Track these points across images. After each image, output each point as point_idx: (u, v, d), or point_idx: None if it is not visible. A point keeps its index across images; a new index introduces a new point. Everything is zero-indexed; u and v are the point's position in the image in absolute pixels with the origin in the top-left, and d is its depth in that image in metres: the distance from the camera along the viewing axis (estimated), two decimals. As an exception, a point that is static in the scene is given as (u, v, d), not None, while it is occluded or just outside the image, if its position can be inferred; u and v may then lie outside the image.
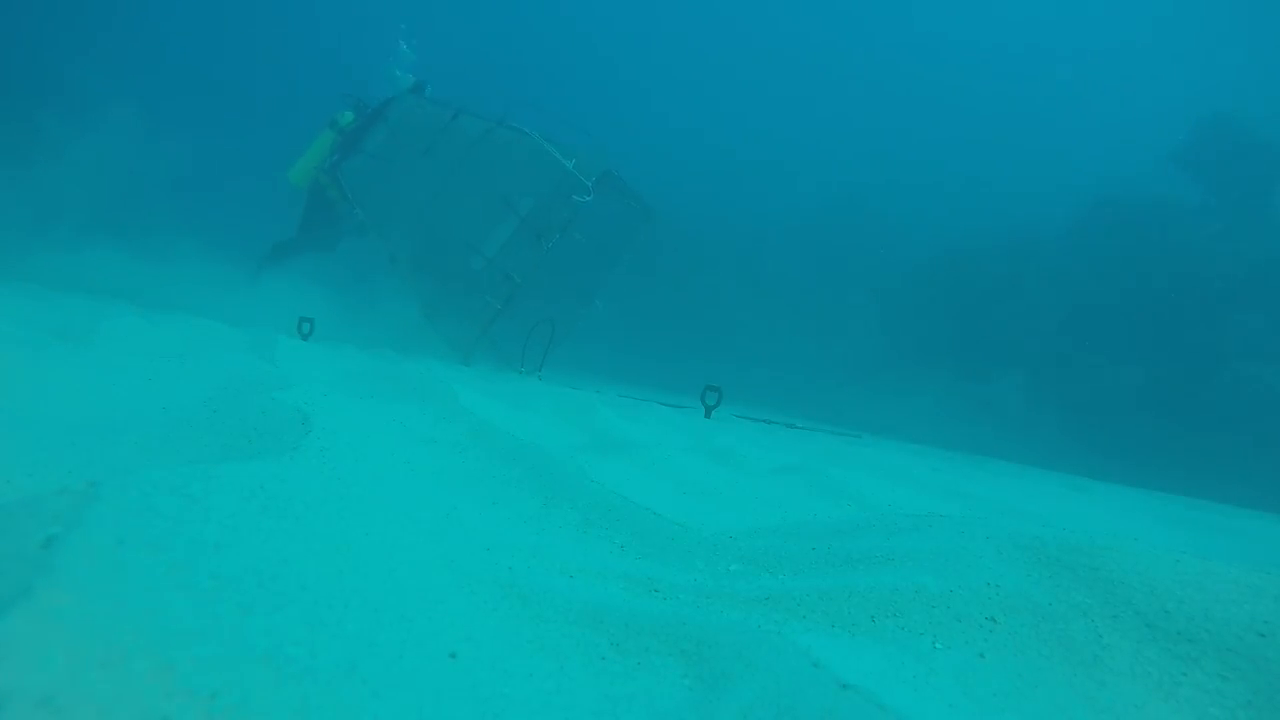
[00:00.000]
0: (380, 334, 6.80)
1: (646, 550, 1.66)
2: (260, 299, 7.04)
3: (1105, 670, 1.21)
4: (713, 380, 5.33)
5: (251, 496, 1.27)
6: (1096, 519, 3.24)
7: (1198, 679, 1.18)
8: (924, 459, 5.04)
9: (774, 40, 31.57)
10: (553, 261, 6.65)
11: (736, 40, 31.62)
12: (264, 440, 1.82)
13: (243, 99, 27.62)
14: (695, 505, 2.14)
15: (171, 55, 27.89)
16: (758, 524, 1.99)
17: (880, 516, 1.98)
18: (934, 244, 15.54)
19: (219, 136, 23.64)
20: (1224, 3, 23.54)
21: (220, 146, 22.49)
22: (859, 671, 1.08)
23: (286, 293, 7.37)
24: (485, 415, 2.69)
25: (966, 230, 15.36)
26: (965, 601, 1.38)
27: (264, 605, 0.96)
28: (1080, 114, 24.59)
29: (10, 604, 0.79)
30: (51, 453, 1.60)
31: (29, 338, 2.51)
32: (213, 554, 1.04)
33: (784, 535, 1.83)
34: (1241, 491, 6.85)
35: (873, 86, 28.45)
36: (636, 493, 2.03)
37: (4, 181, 9.14)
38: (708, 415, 5.04)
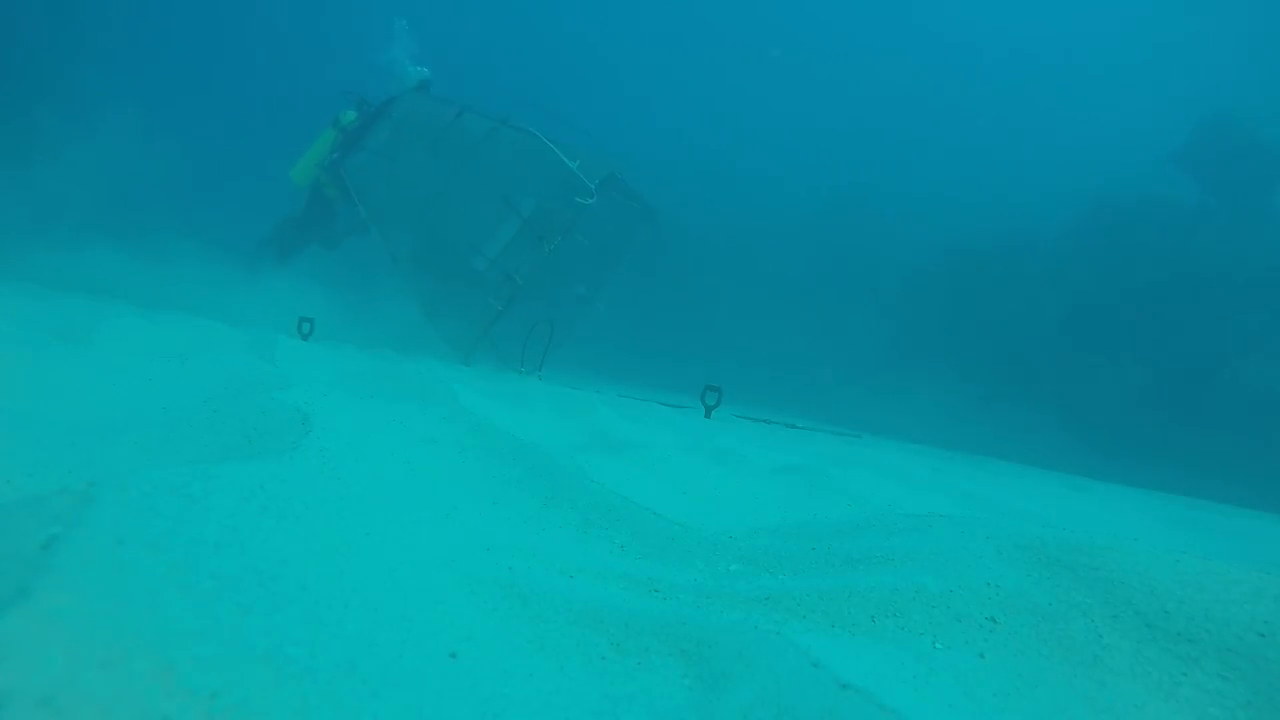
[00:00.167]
0: (380, 334, 6.80)
1: (646, 550, 1.66)
2: (260, 299, 7.03)
3: (1105, 670, 1.21)
4: (713, 380, 5.33)
5: (251, 496, 1.27)
6: (1097, 519, 3.24)
7: (1198, 679, 1.18)
8: (924, 459, 5.04)
9: (775, 40, 31.58)
10: (555, 262, 6.63)
11: (737, 40, 31.64)
12: (264, 440, 1.82)
13: (242, 98, 27.63)
14: (695, 505, 2.14)
15: (170, 54, 27.90)
16: (758, 524, 1.99)
17: (880, 516, 1.98)
18: (934, 244, 15.54)
19: (218, 136, 23.65)
20: (1224, 3, 23.55)
21: (219, 146, 22.50)
22: (859, 671, 1.08)
23: (286, 293, 7.37)
24: (485, 415, 2.69)
25: (967, 230, 15.37)
26: (965, 601, 1.38)
27: (264, 605, 0.96)
28: (1080, 114, 24.60)
29: (10, 604, 0.79)
30: (51, 453, 1.60)
31: (29, 338, 2.51)
32: (213, 554, 1.04)
33: (784, 535, 1.84)
34: (1241, 491, 6.85)
35: (873, 87, 28.46)
36: (636, 493, 2.03)
37: (3, 181, 9.14)
38: (708, 415, 5.04)
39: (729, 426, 4.80)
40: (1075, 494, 4.31)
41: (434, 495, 1.77)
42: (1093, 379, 12.43)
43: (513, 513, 1.80)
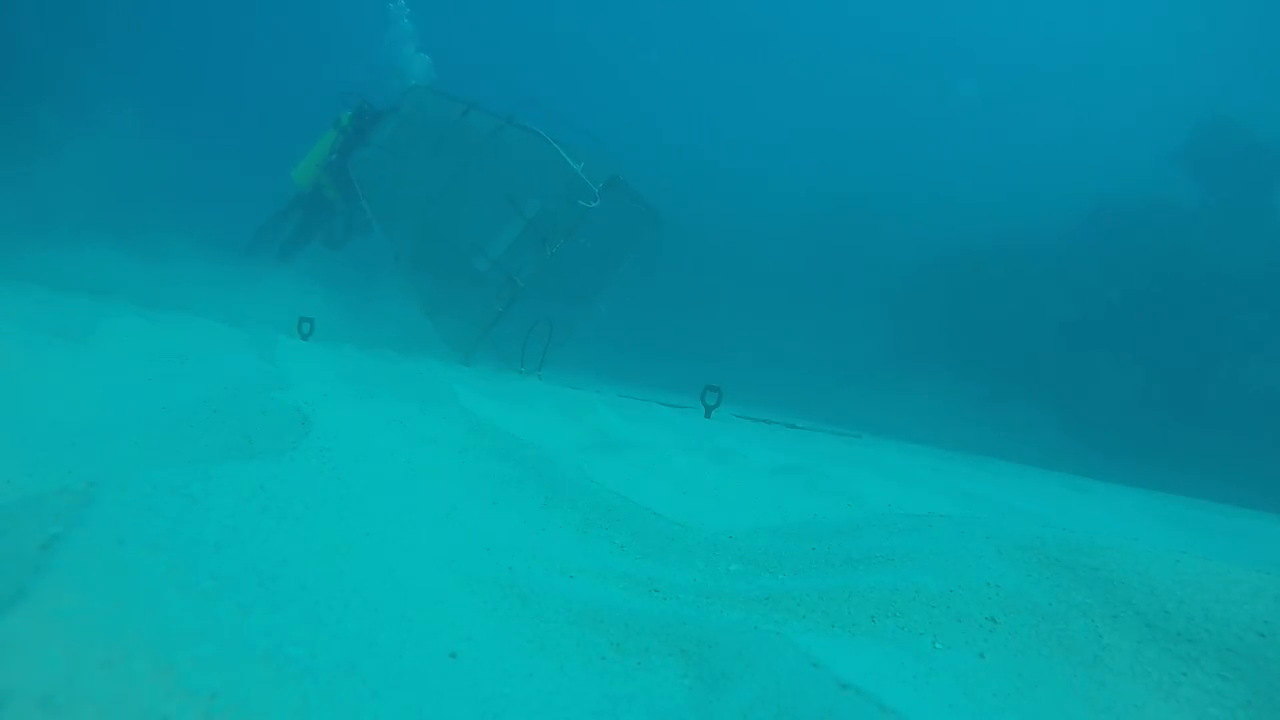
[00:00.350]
0: (380, 334, 6.79)
1: (646, 550, 1.66)
2: (260, 299, 7.03)
3: (1105, 670, 1.21)
4: (713, 380, 5.33)
5: (251, 496, 1.27)
6: (1096, 519, 3.24)
7: (1198, 679, 1.18)
8: (924, 459, 5.04)
9: (776, 41, 31.58)
10: (557, 264, 6.61)
11: (738, 40, 31.64)
12: (264, 440, 1.82)
13: (241, 97, 27.63)
14: (695, 505, 2.14)
15: (170, 53, 27.90)
16: (758, 524, 1.99)
17: (880, 516, 1.98)
18: (935, 244, 15.55)
19: (217, 134, 23.66)
20: (1224, 3, 23.56)
21: (219, 145, 22.50)
22: (859, 671, 1.08)
23: (286, 292, 7.36)
24: (485, 415, 2.69)
25: (967, 230, 15.37)
26: (965, 601, 1.38)
27: (264, 605, 0.96)
28: (1080, 115, 24.60)
29: (10, 604, 0.79)
30: (51, 453, 1.60)
31: (29, 338, 2.51)
32: (213, 554, 1.04)
33: (784, 535, 1.84)
34: (1241, 491, 6.85)
35: (874, 87, 28.47)
36: (636, 493, 2.03)
37: (2, 180, 9.14)
38: (708, 415, 5.04)
39: (729, 426, 4.80)
40: (1075, 494, 4.31)
41: (434, 495, 1.77)
42: (1093, 379, 12.43)
43: (513, 513, 1.80)
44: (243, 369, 2.81)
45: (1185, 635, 1.26)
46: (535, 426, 3.01)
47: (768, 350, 14.69)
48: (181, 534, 1.05)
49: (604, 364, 10.20)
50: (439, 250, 6.88)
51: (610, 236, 8.01)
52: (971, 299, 14.30)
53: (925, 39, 29.59)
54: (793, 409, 9.42)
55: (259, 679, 0.83)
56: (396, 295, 7.48)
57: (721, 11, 31.97)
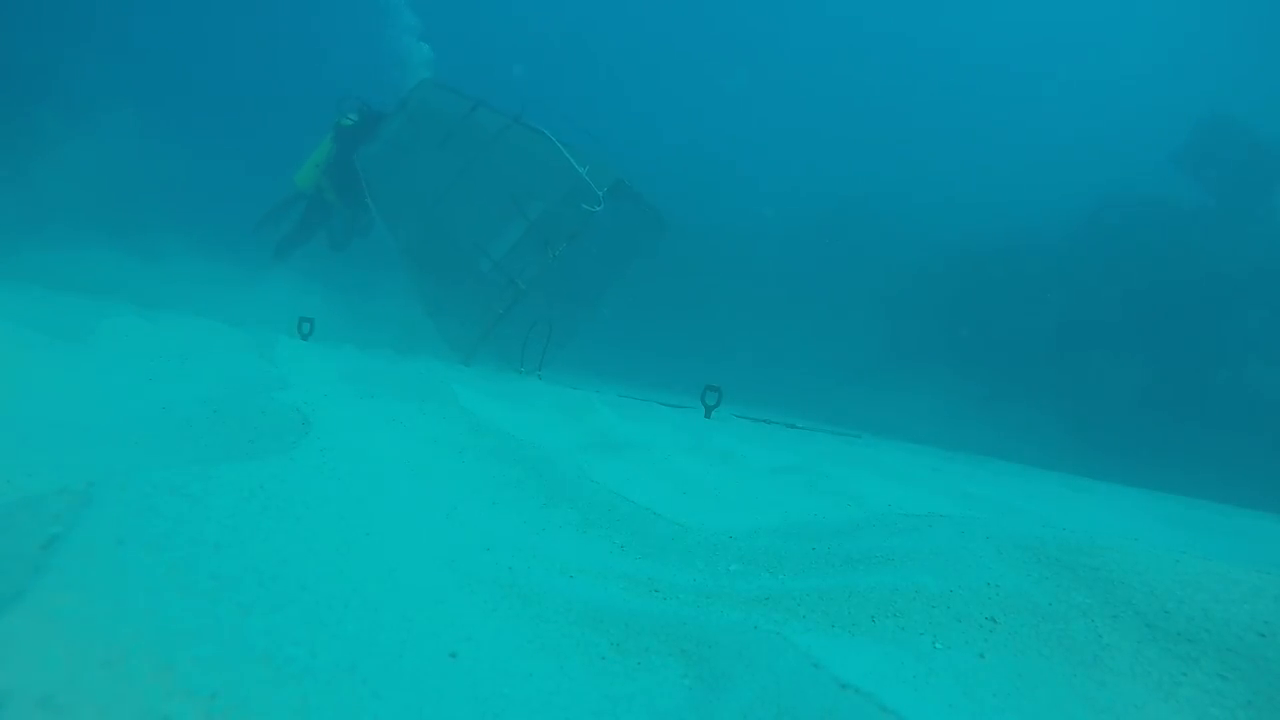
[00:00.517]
0: (380, 334, 6.79)
1: (647, 550, 1.66)
2: (260, 298, 7.03)
3: (1105, 670, 1.21)
4: (713, 380, 5.32)
5: (251, 496, 1.27)
6: (1097, 519, 3.24)
7: (1198, 679, 1.18)
8: (924, 459, 5.04)
9: (776, 40, 31.58)
10: (560, 266, 6.59)
11: (738, 39, 31.64)
12: (264, 440, 1.82)
13: (240, 96, 27.63)
14: (695, 505, 2.14)
15: (169, 52, 27.89)
16: (758, 524, 1.98)
17: (880, 517, 1.98)
18: (935, 244, 15.55)
19: (216, 134, 23.67)
20: (1224, 3, 23.56)
21: (218, 144, 22.50)
22: (859, 671, 1.08)
23: (286, 292, 7.37)
24: (485, 415, 2.68)
25: (967, 230, 15.37)
26: (965, 601, 1.38)
27: (264, 605, 0.96)
28: (1081, 115, 24.61)
29: (10, 604, 0.79)
30: (51, 453, 1.60)
31: (29, 338, 2.51)
32: (213, 554, 1.04)
33: (784, 535, 1.83)
34: (1241, 491, 6.85)
35: (874, 87, 28.46)
36: (636, 493, 2.03)
37: (1, 180, 9.15)
38: (708, 415, 5.04)
39: (729, 426, 4.80)
40: (1075, 494, 4.31)
41: (434, 495, 1.77)
42: (1093, 379, 12.43)
43: (513, 513, 1.80)
44: (243, 369, 2.82)
45: (1185, 635, 1.26)
46: (535, 426, 3.01)
47: (768, 350, 14.69)
48: (181, 534, 1.05)
49: (604, 364, 10.20)
50: (442, 248, 6.86)
51: (614, 239, 7.99)
52: (972, 299, 14.30)
53: (925, 38, 29.59)
54: (793, 409, 9.42)
55: (259, 679, 0.83)
56: (396, 295, 7.48)
57: (721, 10, 31.97)
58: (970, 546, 1.58)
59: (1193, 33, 24.52)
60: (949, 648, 1.26)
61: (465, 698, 0.97)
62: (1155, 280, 12.51)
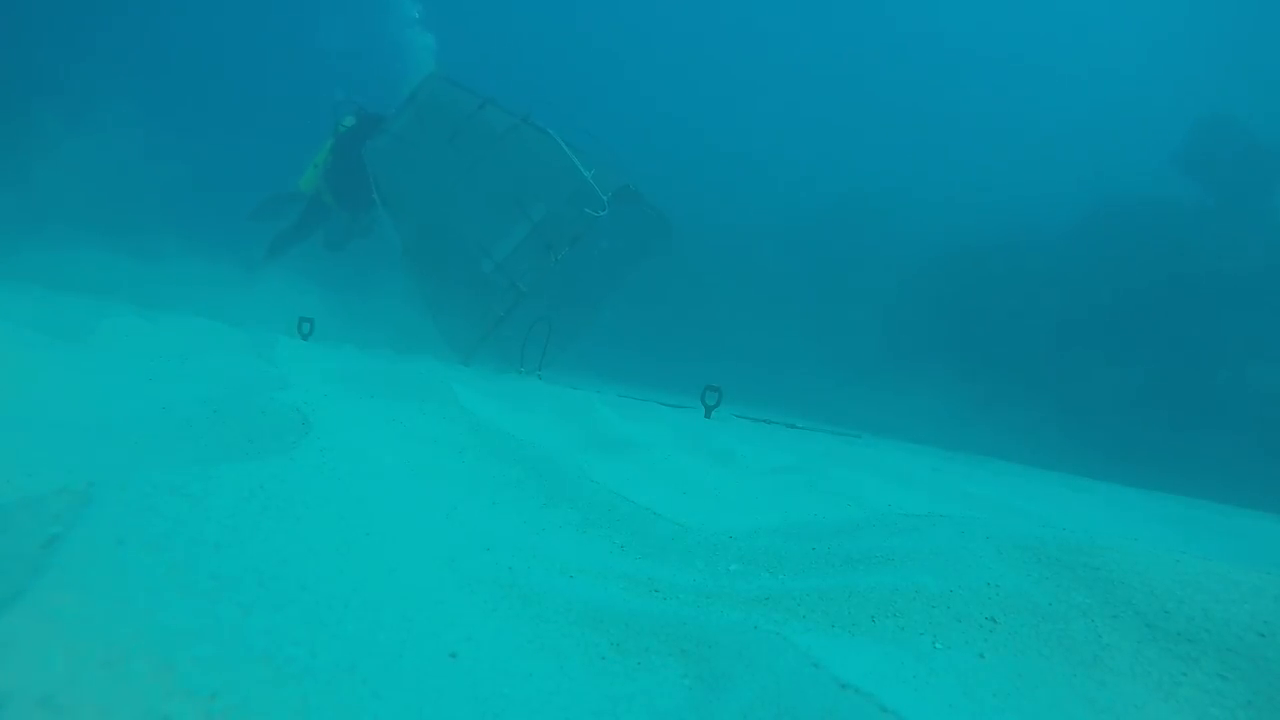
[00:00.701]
0: (380, 334, 6.80)
1: (647, 550, 1.66)
2: (260, 299, 7.03)
3: (1105, 670, 1.21)
4: (713, 380, 5.32)
5: (251, 496, 1.27)
6: (1096, 519, 3.24)
7: (1198, 679, 1.18)
8: (924, 459, 5.04)
9: (775, 37, 31.57)
10: (564, 268, 6.56)
11: (737, 37, 31.63)
12: (264, 440, 1.82)
13: (239, 96, 27.62)
14: (695, 505, 2.14)
15: (167, 50, 27.87)
16: (758, 524, 1.98)
17: (880, 516, 1.98)
18: (935, 244, 15.55)
19: (215, 133, 23.67)
20: (1224, 3, 23.55)
21: (217, 144, 22.50)
22: (859, 671, 1.08)
23: (286, 293, 7.37)
24: (485, 415, 2.68)
25: (967, 230, 15.37)
26: (965, 601, 1.38)
27: (264, 605, 0.96)
28: (1080, 114, 24.60)
29: (10, 604, 0.79)
30: (51, 453, 1.60)
31: (29, 338, 2.51)
32: (213, 554, 1.04)
33: (784, 535, 1.83)
34: (1241, 491, 6.85)
35: (873, 85, 28.46)
36: (636, 493, 2.03)
37: (1, 180, 9.15)
38: (708, 415, 5.04)
39: (729, 426, 4.80)
40: (1075, 494, 4.31)
41: (434, 495, 1.77)
42: (1093, 379, 12.43)
43: (513, 513, 1.80)
44: (243, 369, 2.82)
45: (1185, 635, 1.26)
46: (535, 427, 3.01)
47: (768, 350, 14.69)
48: (181, 534, 1.05)
49: (604, 364, 10.20)
50: (445, 247, 6.84)
51: (620, 242, 7.97)
52: (972, 299, 14.30)
53: (924, 37, 29.59)
54: (793, 409, 9.42)
55: (259, 679, 0.83)
56: (396, 295, 7.47)
57: (720, 7, 31.95)
58: (970, 546, 1.58)
59: (1193, 32, 24.52)
60: (949, 648, 1.26)
61: (465, 698, 0.97)
62: (1154, 280, 12.52)
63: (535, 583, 1.35)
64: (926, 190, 18.65)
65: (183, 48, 28.37)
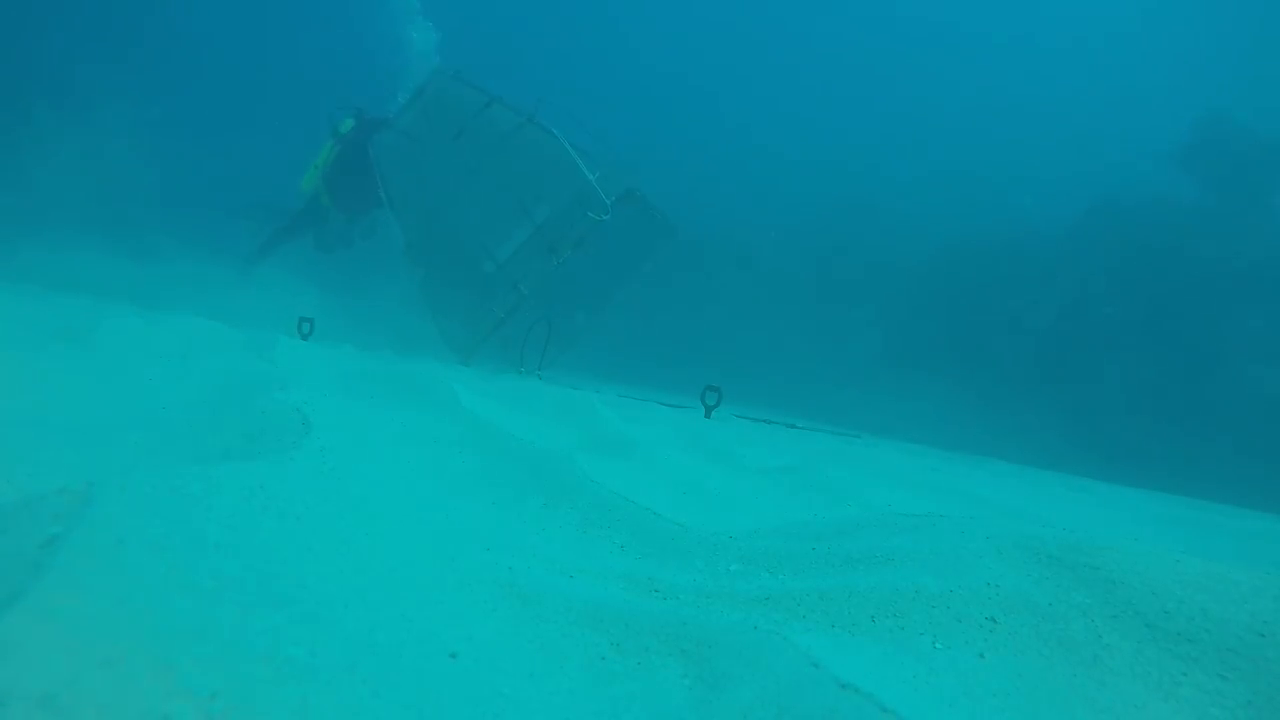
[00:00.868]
0: (380, 334, 6.79)
1: (646, 550, 1.66)
2: (259, 299, 7.03)
3: (1105, 670, 1.21)
4: (712, 380, 5.32)
5: (251, 496, 1.27)
6: (1097, 519, 3.24)
7: (1198, 679, 1.18)
8: (924, 459, 5.04)
9: (774, 36, 31.57)
10: (566, 270, 6.54)
11: (735, 35, 31.62)
12: (264, 440, 1.82)
13: (239, 95, 27.62)
14: (695, 505, 2.14)
15: (165, 47, 27.85)
16: (758, 524, 1.98)
17: (880, 516, 1.98)
18: (934, 243, 15.55)
19: (214, 133, 23.66)
20: (1224, 3, 23.56)
21: (216, 143, 22.50)
22: (859, 671, 1.08)
23: (285, 293, 7.36)
24: (485, 415, 2.69)
25: (966, 229, 15.38)
26: (965, 601, 1.38)
27: (264, 605, 0.96)
28: (1080, 113, 24.60)
29: (10, 604, 0.79)
30: (51, 453, 1.60)
31: (29, 338, 2.51)
32: (213, 554, 1.04)
33: (784, 535, 1.83)
34: (1241, 491, 6.85)
35: (873, 85, 28.46)
36: (636, 493, 2.03)
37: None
38: (707, 415, 5.04)
39: (729, 426, 4.80)
40: (1075, 494, 4.31)
41: (434, 495, 1.77)
42: (1093, 379, 12.43)
43: (512, 513, 1.80)
44: (243, 369, 2.82)
45: (1185, 635, 1.26)
46: (535, 427, 3.01)
47: (768, 350, 14.69)
48: (181, 534, 1.05)
49: (604, 364, 10.20)
50: (447, 245, 6.82)
51: (623, 244, 7.94)
52: (971, 299, 14.31)
53: (924, 36, 29.59)
54: (792, 409, 9.42)
55: (259, 679, 0.83)
56: (396, 296, 7.46)
57: (720, 5, 31.94)
58: (970, 546, 1.58)
59: (1193, 30, 24.52)
60: (949, 648, 1.26)
61: (465, 698, 0.97)
62: (1154, 280, 12.52)
63: (535, 582, 1.35)
64: (927, 191, 18.65)
65: (182, 48, 28.37)
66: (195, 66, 27.91)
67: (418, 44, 8.35)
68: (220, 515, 1.15)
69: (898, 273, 15.64)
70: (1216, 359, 11.62)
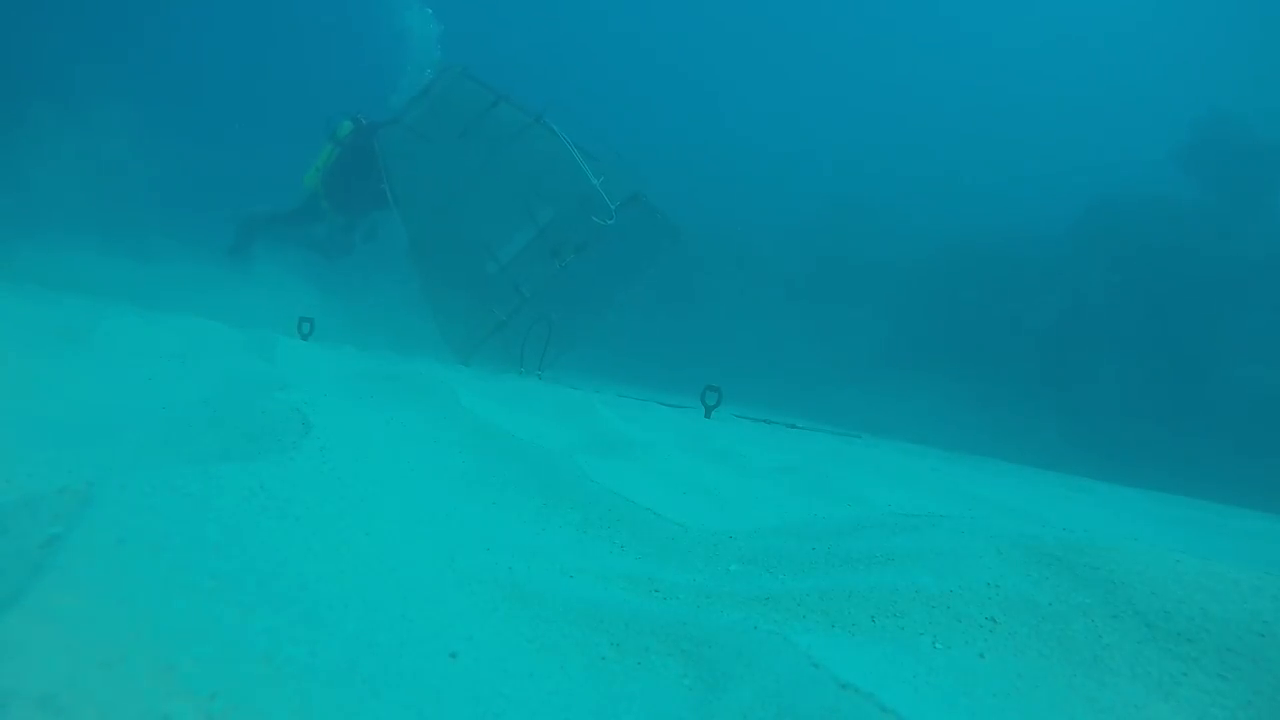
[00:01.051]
0: (380, 334, 6.79)
1: (646, 550, 1.66)
2: (259, 299, 7.03)
3: (1105, 670, 1.21)
4: (713, 380, 5.32)
5: (251, 496, 1.27)
6: (1097, 519, 3.24)
7: (1198, 679, 1.18)
8: (924, 459, 5.04)
9: (773, 37, 31.57)
10: (569, 273, 6.52)
11: (736, 36, 31.62)
12: (264, 440, 1.82)
13: (239, 96, 27.61)
14: (695, 505, 2.14)
15: (165, 50, 27.86)
16: (757, 524, 1.98)
17: (880, 516, 1.98)
18: (934, 243, 15.56)
19: (214, 133, 23.66)
20: (1224, 2, 23.55)
21: (215, 143, 22.49)
22: (859, 671, 1.08)
23: (285, 293, 7.36)
24: (485, 415, 2.68)
25: (966, 229, 15.38)
26: (965, 601, 1.38)
27: (264, 605, 0.96)
28: (1080, 113, 24.59)
29: (10, 604, 0.79)
30: (51, 453, 1.60)
31: (29, 338, 2.51)
32: (213, 554, 1.04)
33: (784, 535, 1.83)
34: (1241, 491, 6.85)
35: (873, 85, 28.46)
36: (636, 493, 2.03)
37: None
38: (708, 415, 5.04)
39: (729, 426, 4.80)
40: (1075, 494, 4.31)
41: (434, 495, 1.77)
42: (1093, 379, 12.44)
43: (513, 513, 1.80)
44: (243, 369, 2.82)
45: (1185, 635, 1.26)
46: (535, 427, 3.01)
47: (768, 350, 14.70)
48: (181, 534, 1.05)
49: (604, 364, 10.20)
50: (451, 245, 6.80)
51: (627, 247, 7.92)
52: (971, 299, 14.31)
53: (923, 36, 29.58)
54: (793, 409, 9.42)
55: (259, 679, 0.83)
56: (396, 296, 7.45)
57: (720, 5, 31.92)
58: (970, 546, 1.58)
59: (1193, 29, 24.51)
60: (949, 648, 1.26)
61: (465, 698, 0.97)
62: (1154, 280, 12.52)
63: (535, 582, 1.35)
64: (927, 191, 18.65)
65: (182, 48, 28.35)
66: (195, 67, 27.90)
67: (418, 35, 8.33)
68: (220, 515, 1.15)
69: (898, 273, 15.65)
70: (1216, 359, 11.62)
